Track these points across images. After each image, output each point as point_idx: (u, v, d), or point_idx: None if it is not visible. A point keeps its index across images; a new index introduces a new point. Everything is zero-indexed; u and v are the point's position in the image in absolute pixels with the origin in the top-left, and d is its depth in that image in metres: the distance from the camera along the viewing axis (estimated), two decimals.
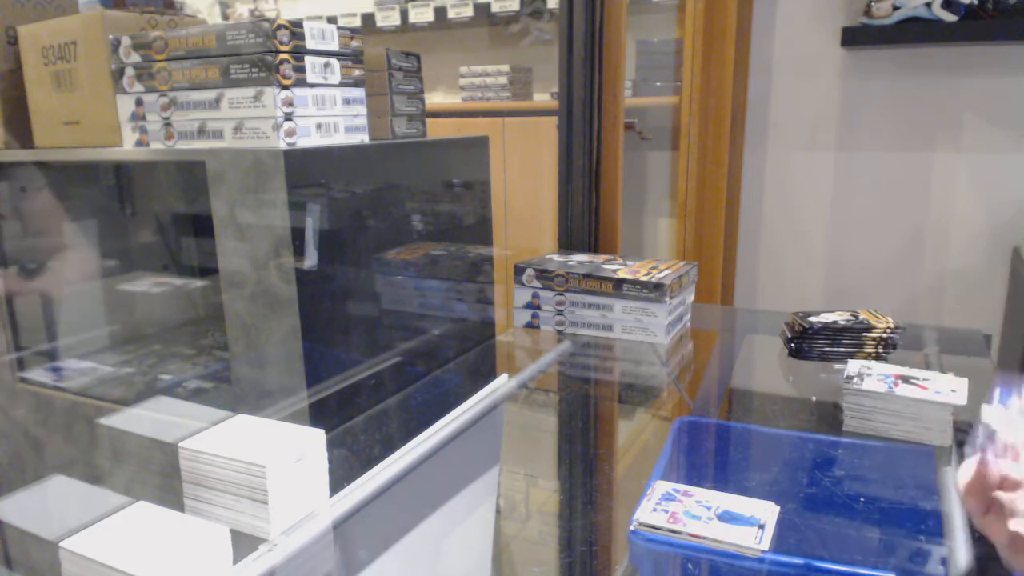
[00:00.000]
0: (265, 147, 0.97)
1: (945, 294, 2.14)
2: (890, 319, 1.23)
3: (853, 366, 1.05)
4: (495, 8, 2.71)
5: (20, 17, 1.23)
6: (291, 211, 0.95)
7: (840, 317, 1.25)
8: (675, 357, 1.35)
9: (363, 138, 1.12)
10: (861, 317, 1.25)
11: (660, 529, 0.73)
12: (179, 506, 0.71)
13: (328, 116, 1.04)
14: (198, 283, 1.56)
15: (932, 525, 0.78)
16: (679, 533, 0.72)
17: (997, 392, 0.53)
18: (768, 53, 2.24)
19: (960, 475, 0.51)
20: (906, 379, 1.00)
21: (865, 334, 1.21)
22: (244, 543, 0.65)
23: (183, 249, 1.56)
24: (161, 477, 1.13)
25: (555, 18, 2.63)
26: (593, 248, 1.70)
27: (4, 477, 1.42)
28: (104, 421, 1.22)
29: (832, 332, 1.22)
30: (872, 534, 0.79)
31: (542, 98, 2.83)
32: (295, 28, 0.97)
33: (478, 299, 1.41)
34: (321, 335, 1.01)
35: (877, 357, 1.20)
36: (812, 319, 1.25)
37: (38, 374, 1.34)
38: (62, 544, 0.58)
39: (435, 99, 3.03)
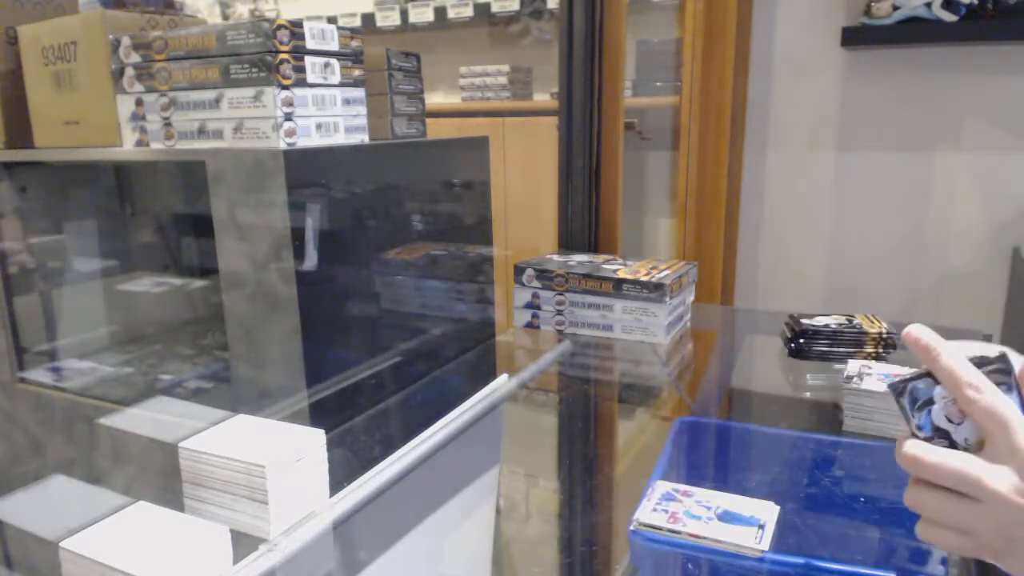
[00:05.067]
0: (265, 147, 0.97)
1: (945, 294, 2.14)
2: (884, 324, 1.23)
3: (853, 366, 1.05)
4: (495, 8, 2.71)
5: (20, 17, 1.23)
6: (291, 211, 0.95)
7: (834, 321, 1.25)
8: (675, 357, 1.35)
9: (363, 138, 1.12)
10: (856, 321, 1.25)
11: (660, 529, 0.73)
12: (179, 506, 0.71)
13: (328, 116, 1.04)
14: (198, 283, 1.56)
15: None
16: (679, 533, 0.72)
17: None
18: (768, 53, 2.24)
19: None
20: None
21: (864, 335, 1.21)
22: (244, 543, 0.65)
23: (183, 249, 1.56)
24: (161, 477, 1.13)
25: (555, 18, 2.63)
26: (593, 248, 1.70)
27: (4, 477, 1.42)
28: (104, 421, 1.22)
29: (830, 333, 1.22)
30: (872, 534, 0.79)
31: (542, 98, 2.82)
32: (295, 28, 0.97)
33: (478, 299, 1.41)
34: (321, 335, 1.01)
35: (877, 357, 1.20)
36: (805, 322, 1.25)
37: (38, 374, 1.34)
38: (62, 544, 0.58)
39: (435, 99, 3.03)
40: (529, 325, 1.44)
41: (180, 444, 0.70)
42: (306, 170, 0.98)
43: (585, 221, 1.69)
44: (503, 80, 2.73)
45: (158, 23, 1.20)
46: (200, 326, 1.55)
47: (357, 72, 1.09)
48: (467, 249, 1.36)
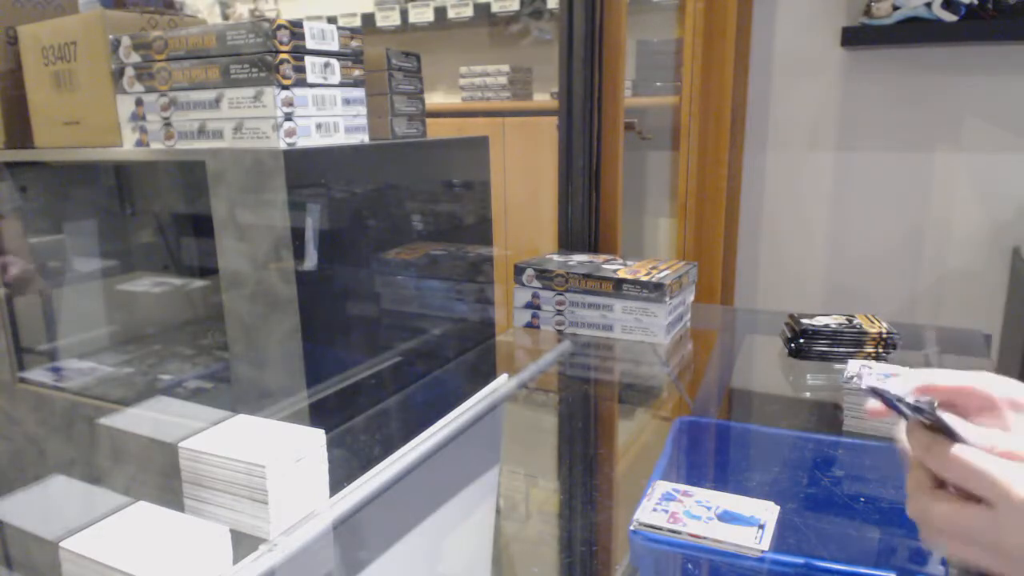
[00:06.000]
0: (265, 147, 0.97)
1: (945, 294, 2.14)
2: (884, 324, 1.23)
3: (853, 366, 1.05)
4: (495, 8, 2.71)
5: (20, 17, 1.23)
6: (291, 211, 0.95)
7: (834, 321, 1.25)
8: (675, 357, 1.35)
9: (363, 138, 1.12)
10: (856, 321, 1.25)
11: (660, 529, 0.73)
12: (179, 506, 0.71)
13: (328, 116, 1.04)
14: (198, 283, 1.56)
15: None
16: (679, 533, 0.72)
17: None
18: (768, 53, 2.24)
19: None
20: None
21: (864, 335, 1.21)
22: (244, 543, 0.65)
23: (183, 249, 1.56)
24: (161, 477, 1.13)
25: (555, 18, 2.63)
26: (593, 248, 1.70)
27: (4, 477, 1.42)
28: (104, 421, 1.22)
29: (830, 333, 1.22)
30: (872, 534, 0.79)
31: (542, 98, 2.82)
32: (295, 28, 0.97)
33: (478, 299, 1.40)
34: (321, 335, 1.01)
35: (877, 357, 1.20)
36: (805, 322, 1.25)
37: (38, 374, 1.34)
38: (62, 544, 0.58)
39: (435, 99, 3.03)
40: (529, 325, 1.44)
41: (180, 444, 0.70)
42: (306, 170, 0.98)
43: (585, 221, 1.69)
44: (503, 80, 2.73)
45: (158, 23, 1.20)
46: (200, 326, 1.55)
47: (357, 72, 1.09)
48: (467, 249, 1.36)
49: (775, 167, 2.30)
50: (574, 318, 1.39)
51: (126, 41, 1.07)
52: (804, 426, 1.08)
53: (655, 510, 0.75)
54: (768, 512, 0.75)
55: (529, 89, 2.84)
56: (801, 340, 1.23)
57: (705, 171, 2.19)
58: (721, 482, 0.89)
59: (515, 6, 2.67)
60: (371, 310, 1.14)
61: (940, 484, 0.48)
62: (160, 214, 1.55)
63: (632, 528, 0.74)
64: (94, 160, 1.18)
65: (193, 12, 1.50)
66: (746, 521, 0.73)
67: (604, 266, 1.42)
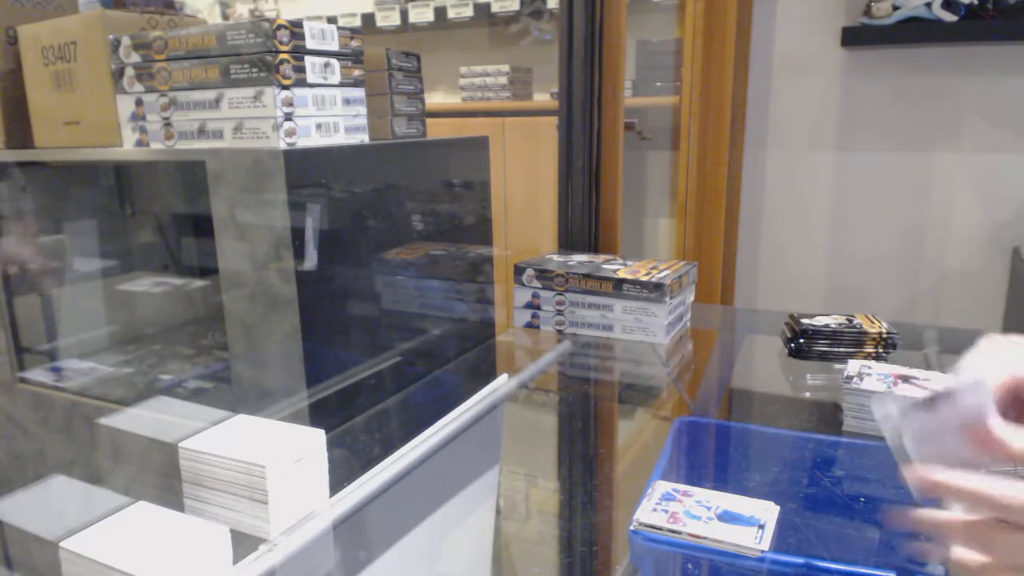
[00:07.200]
0: (265, 147, 0.97)
1: (945, 294, 2.14)
2: (884, 324, 1.23)
3: (853, 366, 1.05)
4: (495, 8, 2.71)
5: (20, 17, 1.23)
6: (291, 211, 0.95)
7: (834, 321, 1.25)
8: (675, 357, 1.35)
9: (363, 138, 1.12)
10: (856, 321, 1.25)
11: (660, 529, 0.73)
12: (179, 506, 0.71)
13: (328, 116, 1.04)
14: (198, 283, 1.56)
15: None
16: (679, 533, 0.72)
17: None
18: (768, 53, 2.24)
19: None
20: (906, 379, 1.00)
21: (864, 335, 1.21)
22: (244, 543, 0.65)
23: (183, 249, 1.56)
24: (161, 477, 1.13)
25: (555, 18, 2.63)
26: (593, 248, 1.70)
27: (4, 477, 1.42)
28: (104, 421, 1.22)
29: (830, 333, 1.22)
30: (872, 534, 0.79)
31: (542, 98, 2.82)
32: (295, 28, 0.97)
33: (478, 299, 1.41)
34: (321, 335, 1.01)
35: (877, 357, 1.20)
36: (805, 322, 1.25)
37: (38, 374, 1.34)
38: (62, 544, 0.58)
39: (435, 99, 3.03)
40: (529, 325, 1.44)
41: (180, 444, 0.70)
42: (306, 170, 0.98)
43: (585, 221, 1.69)
44: (503, 80, 2.73)
45: (158, 23, 1.20)
46: (200, 326, 1.55)
47: (357, 72, 1.09)
48: (467, 249, 1.36)
49: (775, 167, 2.30)
50: (574, 318, 1.39)
51: (126, 41, 1.07)
52: (804, 426, 1.08)
53: (655, 510, 0.75)
54: (768, 512, 0.75)
55: (529, 89, 2.84)
56: (801, 340, 1.23)
57: (705, 171, 2.19)
58: (721, 482, 0.89)
59: (515, 6, 2.67)
60: (371, 310, 1.14)
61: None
62: (160, 214, 1.55)
63: (632, 528, 0.74)
64: (94, 160, 1.18)
65: (193, 12, 1.50)
66: (746, 521, 0.73)
67: (604, 266, 1.42)
